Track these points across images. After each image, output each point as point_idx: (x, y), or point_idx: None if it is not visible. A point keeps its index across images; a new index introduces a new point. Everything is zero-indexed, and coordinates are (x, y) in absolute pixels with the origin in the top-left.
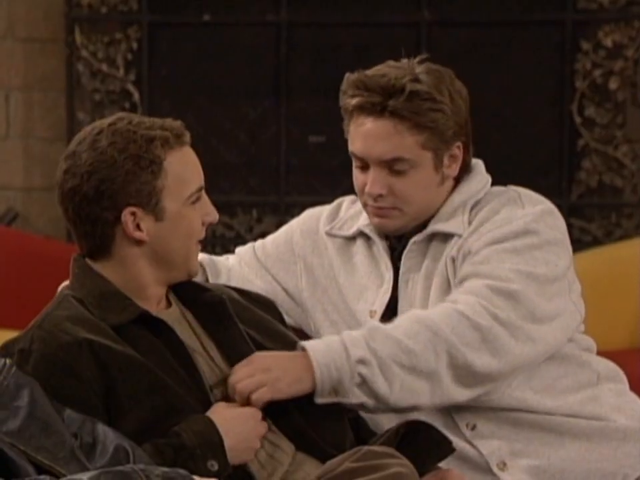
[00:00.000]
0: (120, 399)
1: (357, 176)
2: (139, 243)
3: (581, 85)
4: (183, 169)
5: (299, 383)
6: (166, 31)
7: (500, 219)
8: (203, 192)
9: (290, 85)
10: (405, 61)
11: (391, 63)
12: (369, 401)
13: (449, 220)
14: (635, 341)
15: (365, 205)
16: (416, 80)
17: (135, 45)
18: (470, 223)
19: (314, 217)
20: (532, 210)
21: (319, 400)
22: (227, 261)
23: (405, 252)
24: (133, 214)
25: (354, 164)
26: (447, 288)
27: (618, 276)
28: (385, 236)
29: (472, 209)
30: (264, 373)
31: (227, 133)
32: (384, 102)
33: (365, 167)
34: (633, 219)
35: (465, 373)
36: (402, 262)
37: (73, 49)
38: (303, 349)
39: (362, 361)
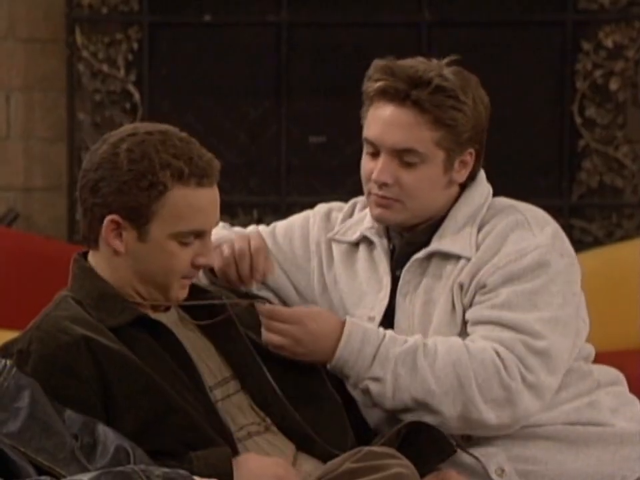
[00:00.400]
0: (116, 399)
1: (366, 163)
2: (116, 252)
3: (582, 86)
4: (186, 207)
5: (313, 361)
6: (166, 31)
7: (513, 250)
8: (207, 237)
9: (290, 85)
10: (434, 60)
11: (420, 59)
12: (367, 402)
13: (454, 239)
14: (635, 342)
15: (368, 194)
16: (443, 77)
17: (135, 46)
18: (478, 247)
19: (331, 217)
20: (542, 237)
21: (331, 371)
22: None
23: (406, 267)
24: (117, 222)
25: (364, 150)
26: (452, 312)
27: (619, 277)
28: (387, 237)
29: (478, 230)
30: (293, 343)
31: (227, 133)
32: (408, 90)
33: (375, 154)
34: (634, 219)
35: (473, 425)
36: (402, 275)
37: (73, 49)
38: (343, 326)
39: (376, 379)
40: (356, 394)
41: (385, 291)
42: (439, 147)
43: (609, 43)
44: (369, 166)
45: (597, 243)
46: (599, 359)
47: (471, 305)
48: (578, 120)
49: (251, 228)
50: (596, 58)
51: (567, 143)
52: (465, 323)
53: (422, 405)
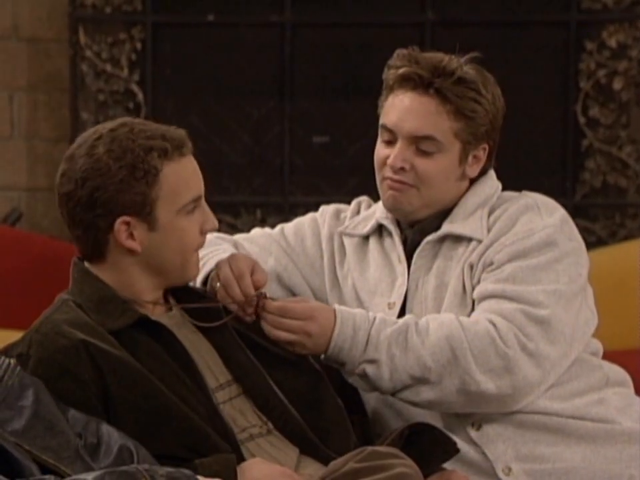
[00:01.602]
0: (116, 404)
1: (380, 150)
2: (131, 252)
3: (585, 85)
4: (179, 180)
5: (314, 353)
6: (170, 31)
7: (521, 230)
8: (203, 201)
9: (294, 85)
10: (453, 56)
11: (441, 53)
12: (367, 388)
13: (465, 222)
14: (639, 341)
15: (382, 180)
16: (464, 70)
17: (138, 45)
18: (489, 229)
19: (340, 216)
20: (551, 220)
21: (326, 362)
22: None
23: (418, 251)
24: (127, 223)
25: (380, 138)
26: (463, 293)
27: (622, 276)
28: (400, 229)
29: (489, 214)
30: (303, 336)
31: (230, 133)
32: (432, 79)
33: (391, 142)
34: (637, 219)
35: (474, 397)
36: (413, 261)
37: (77, 49)
38: (334, 315)
39: (372, 361)
40: (353, 380)
41: (402, 278)
42: (457, 137)
43: (612, 42)
44: (383, 152)
45: (601, 242)
46: (603, 357)
47: (478, 283)
48: (581, 120)
49: (255, 230)
50: (599, 58)
51: (571, 143)
52: (474, 303)
53: (420, 382)
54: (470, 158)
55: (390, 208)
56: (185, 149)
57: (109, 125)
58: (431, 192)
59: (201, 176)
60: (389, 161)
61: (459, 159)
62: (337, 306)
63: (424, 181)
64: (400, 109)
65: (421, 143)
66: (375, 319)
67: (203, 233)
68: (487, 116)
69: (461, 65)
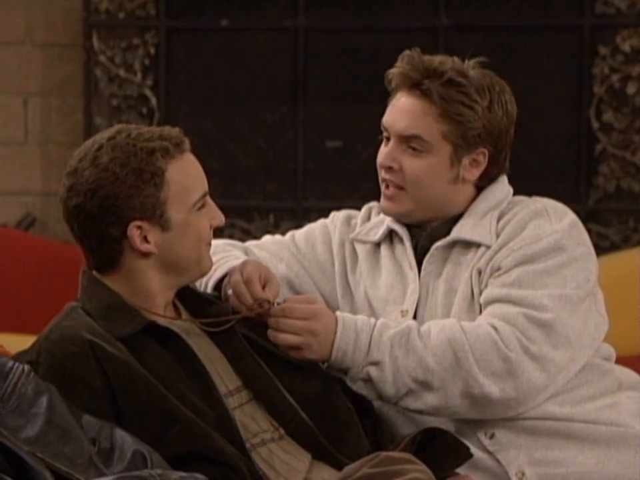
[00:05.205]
0: (121, 407)
1: (381, 149)
2: (147, 255)
3: (599, 90)
4: (185, 177)
5: (319, 357)
6: (183, 36)
7: (529, 235)
8: (208, 196)
9: (307, 89)
10: (467, 61)
11: (453, 57)
12: (372, 395)
13: (474, 228)
14: None
15: (381, 182)
16: (460, 73)
17: (152, 50)
18: (498, 235)
19: (351, 222)
20: (560, 225)
21: (329, 371)
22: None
23: (427, 257)
24: (139, 227)
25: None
26: (471, 299)
27: (636, 281)
28: (410, 235)
29: (498, 220)
30: (308, 336)
31: (244, 138)
32: (420, 80)
33: (389, 139)
34: None
35: (478, 401)
36: (423, 267)
37: (90, 54)
38: (337, 320)
39: (376, 363)
40: (357, 387)
41: (414, 285)
42: (446, 139)
43: (626, 47)
44: (381, 152)
45: (614, 247)
46: (618, 363)
47: (486, 288)
48: (595, 124)
49: (266, 237)
50: (613, 62)
51: (584, 148)
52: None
53: (423, 385)
54: (466, 161)
55: (385, 214)
56: (184, 145)
57: (105, 134)
58: (419, 193)
59: (203, 171)
60: (379, 159)
61: (449, 160)
62: (338, 312)
63: (411, 181)
64: (395, 108)
65: (411, 142)
66: (376, 321)
67: (212, 228)
68: (479, 121)
69: (459, 68)
